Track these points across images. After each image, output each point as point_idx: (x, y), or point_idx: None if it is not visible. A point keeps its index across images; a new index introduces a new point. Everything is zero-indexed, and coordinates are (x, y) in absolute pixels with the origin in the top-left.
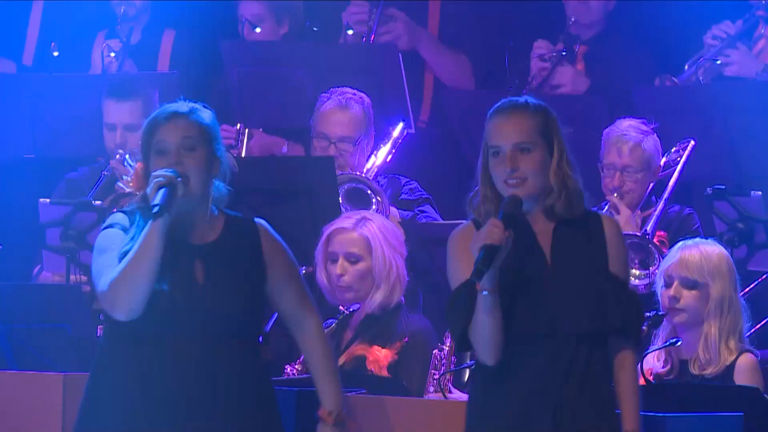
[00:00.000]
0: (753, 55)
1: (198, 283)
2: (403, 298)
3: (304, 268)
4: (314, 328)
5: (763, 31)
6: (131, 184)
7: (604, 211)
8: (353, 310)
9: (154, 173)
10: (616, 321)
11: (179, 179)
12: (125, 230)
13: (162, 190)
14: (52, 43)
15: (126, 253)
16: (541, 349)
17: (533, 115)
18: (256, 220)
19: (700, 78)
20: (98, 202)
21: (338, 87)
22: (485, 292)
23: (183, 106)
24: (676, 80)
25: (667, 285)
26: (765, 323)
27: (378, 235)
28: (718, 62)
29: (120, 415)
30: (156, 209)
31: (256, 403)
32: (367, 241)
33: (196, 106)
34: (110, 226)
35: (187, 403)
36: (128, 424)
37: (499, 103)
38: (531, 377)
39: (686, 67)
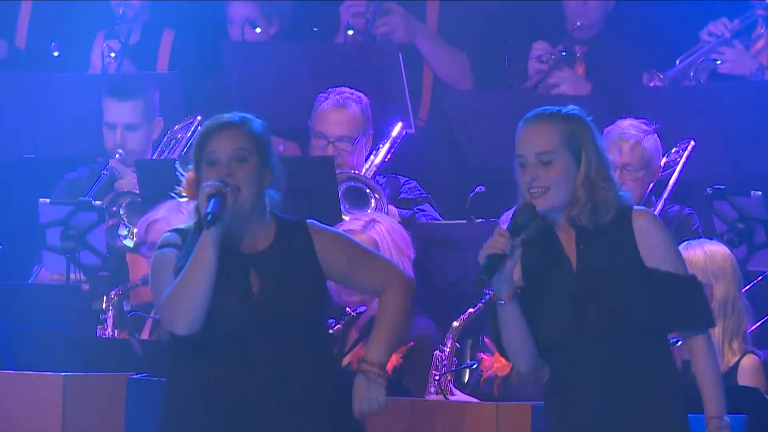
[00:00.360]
0: (748, 54)
1: (253, 293)
2: None
3: None
4: (391, 296)
5: (762, 30)
6: (183, 193)
7: None
8: (359, 312)
9: (204, 184)
10: (661, 315)
11: (227, 188)
12: (178, 249)
13: (212, 200)
14: (52, 43)
15: (181, 268)
16: (579, 355)
17: (559, 124)
18: (307, 221)
19: (692, 75)
20: (98, 202)
21: (337, 87)
22: (501, 302)
23: (235, 116)
24: (662, 75)
25: None
26: (763, 323)
27: (386, 237)
28: (718, 62)
29: (195, 425)
30: (209, 217)
31: (331, 402)
32: (375, 243)
33: (248, 116)
34: (163, 247)
35: (253, 414)
36: None
37: (530, 113)
38: (573, 385)
39: (677, 62)
